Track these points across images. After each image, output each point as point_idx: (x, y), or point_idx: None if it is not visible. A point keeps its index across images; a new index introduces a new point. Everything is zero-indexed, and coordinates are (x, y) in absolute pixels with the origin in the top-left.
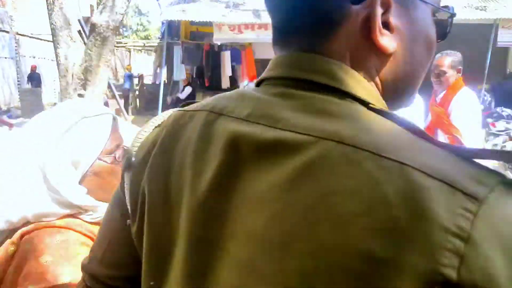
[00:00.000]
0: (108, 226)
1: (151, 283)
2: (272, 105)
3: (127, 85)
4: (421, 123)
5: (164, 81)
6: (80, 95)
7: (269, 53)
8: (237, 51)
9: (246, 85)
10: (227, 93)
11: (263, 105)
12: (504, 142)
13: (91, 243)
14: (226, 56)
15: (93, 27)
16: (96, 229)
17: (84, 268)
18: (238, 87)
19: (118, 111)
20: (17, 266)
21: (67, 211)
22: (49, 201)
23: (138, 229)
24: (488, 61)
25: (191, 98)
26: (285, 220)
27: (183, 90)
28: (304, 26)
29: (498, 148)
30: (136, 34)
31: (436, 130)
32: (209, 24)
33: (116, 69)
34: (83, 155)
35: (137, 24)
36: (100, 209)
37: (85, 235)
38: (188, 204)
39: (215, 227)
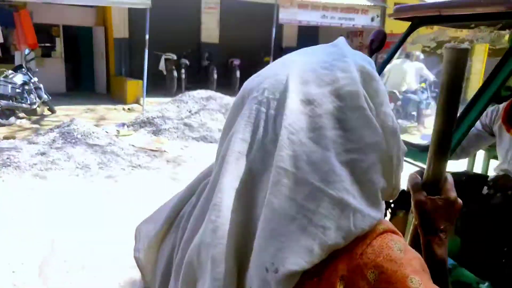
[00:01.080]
0: None
1: None
2: None
3: None
4: None
5: None
6: None
7: (52, 17)
8: (7, 12)
9: (28, 53)
10: None
11: None
12: None
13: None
14: None
15: None
16: None
17: None
18: (12, 56)
19: None
20: None
21: None
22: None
23: None
24: (273, 37)
25: None
26: None
27: None
28: None
29: None
30: None
31: None
32: None
33: None
34: None
35: None
36: None
37: (395, 232)
38: None
39: None
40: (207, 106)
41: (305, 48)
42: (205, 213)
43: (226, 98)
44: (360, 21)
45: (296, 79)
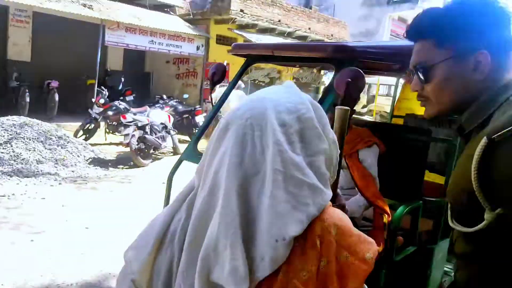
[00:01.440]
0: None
1: None
2: None
3: None
4: None
5: None
6: None
7: None
8: None
9: None
10: None
11: None
12: (133, 131)
13: None
14: None
15: None
16: None
17: None
18: None
19: None
20: (336, 248)
21: None
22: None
23: None
24: (98, 58)
25: None
26: None
27: None
28: None
29: (131, 136)
30: None
31: None
32: None
33: None
34: None
35: None
36: None
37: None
38: None
39: None
40: (21, 135)
41: (267, 88)
42: (209, 213)
43: (45, 125)
44: (187, 48)
45: (272, 110)
